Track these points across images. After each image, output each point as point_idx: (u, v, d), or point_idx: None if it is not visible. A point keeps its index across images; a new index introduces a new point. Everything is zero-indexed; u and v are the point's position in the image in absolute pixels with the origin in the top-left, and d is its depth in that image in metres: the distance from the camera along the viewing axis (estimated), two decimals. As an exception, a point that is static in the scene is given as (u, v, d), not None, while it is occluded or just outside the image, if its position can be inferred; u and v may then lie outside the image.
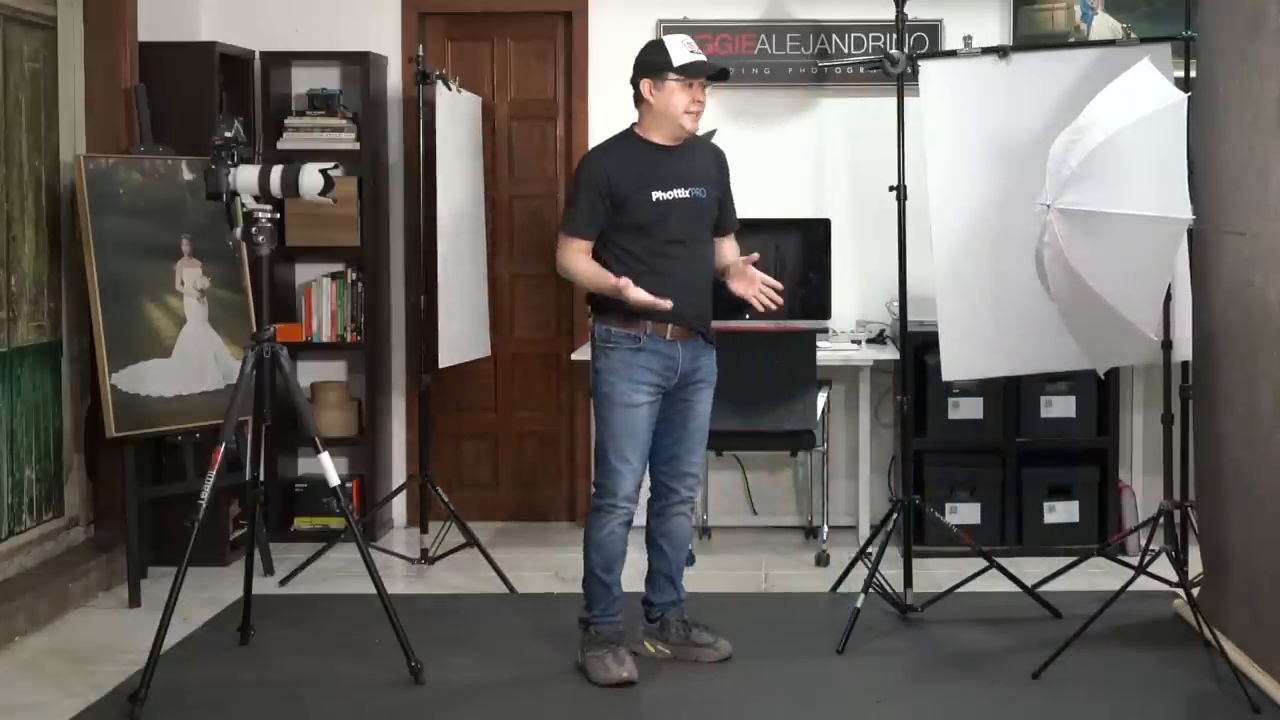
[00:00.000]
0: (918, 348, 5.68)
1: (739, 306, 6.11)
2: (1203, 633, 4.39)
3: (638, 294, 4.26)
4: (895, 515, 5.03)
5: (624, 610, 4.51)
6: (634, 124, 4.49)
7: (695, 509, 4.71)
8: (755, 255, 4.52)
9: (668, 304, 4.28)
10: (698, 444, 4.56)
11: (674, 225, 4.40)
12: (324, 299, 6.29)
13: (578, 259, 4.41)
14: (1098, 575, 5.08)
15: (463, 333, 5.94)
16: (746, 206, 6.10)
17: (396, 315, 6.52)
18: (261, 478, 4.76)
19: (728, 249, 4.65)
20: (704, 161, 4.53)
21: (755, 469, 6.43)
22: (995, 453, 5.94)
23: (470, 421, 6.65)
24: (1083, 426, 5.91)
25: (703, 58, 4.40)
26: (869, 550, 5.15)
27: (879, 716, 4.24)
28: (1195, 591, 4.60)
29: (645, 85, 4.40)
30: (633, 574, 4.62)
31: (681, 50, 4.37)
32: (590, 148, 4.57)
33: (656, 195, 4.38)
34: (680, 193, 4.42)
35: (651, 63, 4.40)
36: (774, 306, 4.51)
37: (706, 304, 4.53)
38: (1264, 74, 4.26)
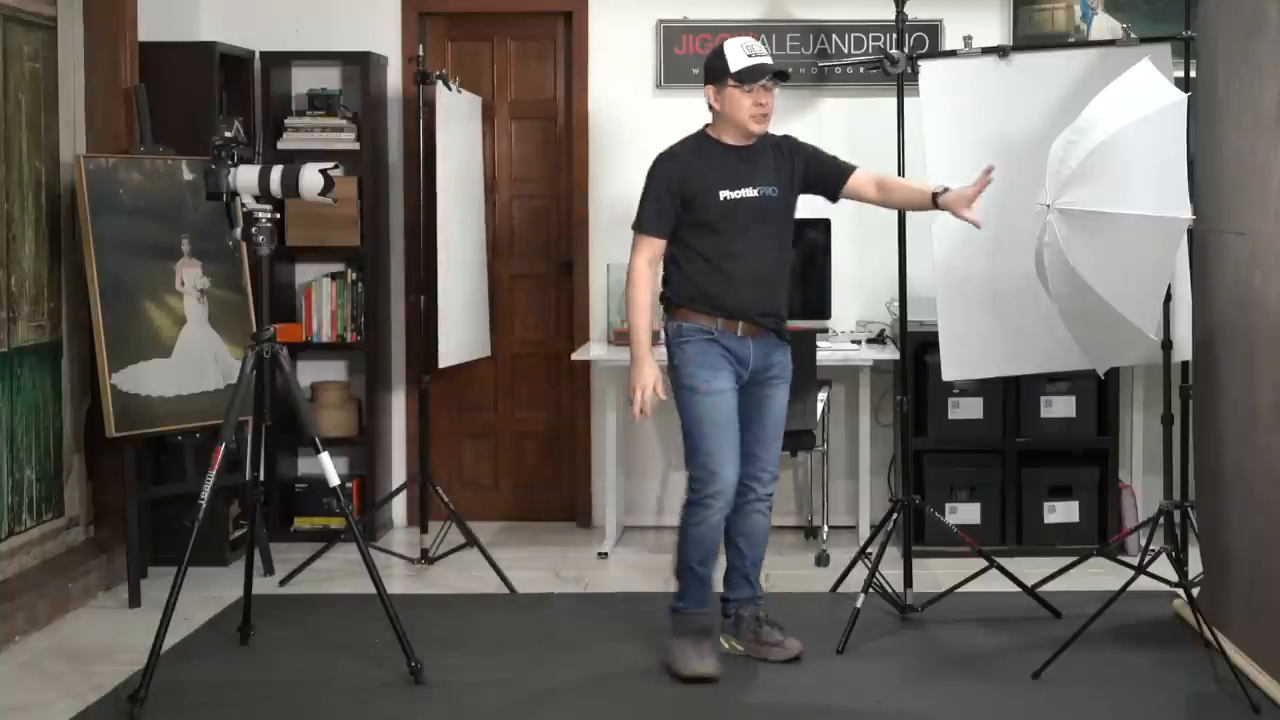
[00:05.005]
0: (918, 348, 5.68)
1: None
2: (1203, 633, 4.39)
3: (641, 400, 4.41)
4: (895, 515, 5.03)
5: (715, 602, 4.53)
6: (706, 125, 4.52)
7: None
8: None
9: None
10: (774, 439, 4.56)
11: (742, 224, 4.42)
12: (324, 299, 6.29)
13: (643, 290, 4.43)
14: (1098, 575, 5.07)
15: (463, 333, 5.94)
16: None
17: (396, 315, 6.51)
18: (261, 478, 4.76)
19: (865, 184, 4.59)
20: (777, 159, 4.51)
21: (755, 469, 6.42)
22: (995, 453, 5.94)
23: (470, 421, 6.64)
24: (1083, 426, 5.91)
25: (762, 60, 4.39)
26: (869, 550, 5.15)
27: (879, 716, 4.24)
28: (1195, 591, 4.59)
29: (709, 91, 4.44)
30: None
31: (739, 55, 4.38)
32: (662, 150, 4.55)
33: (724, 194, 4.40)
34: (748, 192, 4.42)
35: (713, 68, 4.44)
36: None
37: (778, 302, 4.54)
38: (1264, 74, 4.26)
